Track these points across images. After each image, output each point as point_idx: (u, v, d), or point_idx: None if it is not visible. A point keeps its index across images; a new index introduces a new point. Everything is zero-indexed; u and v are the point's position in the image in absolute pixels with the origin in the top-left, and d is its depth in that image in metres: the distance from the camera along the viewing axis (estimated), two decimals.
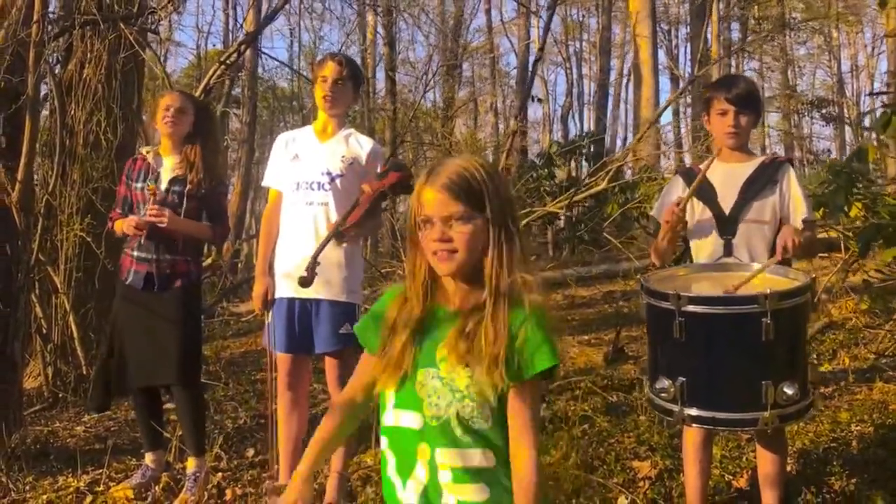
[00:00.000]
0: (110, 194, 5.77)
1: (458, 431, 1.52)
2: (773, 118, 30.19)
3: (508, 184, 1.68)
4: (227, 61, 5.35)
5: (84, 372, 5.67)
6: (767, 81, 32.46)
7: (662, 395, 2.42)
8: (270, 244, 3.46)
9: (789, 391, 2.29)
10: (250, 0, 12.60)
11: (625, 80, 31.53)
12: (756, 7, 25.72)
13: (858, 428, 3.61)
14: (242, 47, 5.29)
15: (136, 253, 3.55)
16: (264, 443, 4.08)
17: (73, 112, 5.99)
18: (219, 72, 5.34)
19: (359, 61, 23.49)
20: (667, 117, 25.81)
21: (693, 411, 2.36)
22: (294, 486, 1.64)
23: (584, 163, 13.21)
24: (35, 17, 3.93)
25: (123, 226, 3.54)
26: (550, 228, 15.42)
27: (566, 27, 34.41)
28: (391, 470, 1.61)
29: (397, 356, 1.56)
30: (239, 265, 15.47)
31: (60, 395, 5.53)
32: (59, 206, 5.89)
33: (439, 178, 1.55)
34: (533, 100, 21.67)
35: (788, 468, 3.19)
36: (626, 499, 2.98)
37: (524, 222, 6.60)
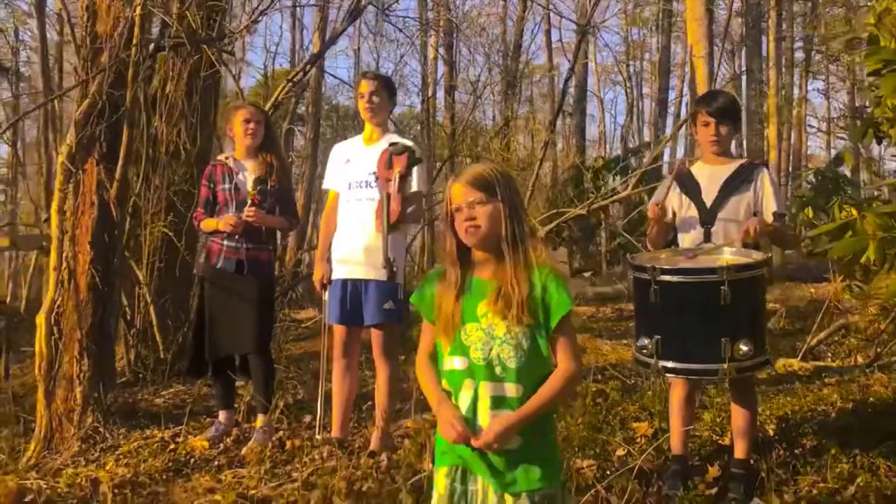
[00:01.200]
0: (189, 197, 6.50)
1: (498, 370, 2.04)
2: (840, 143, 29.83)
3: (515, 180, 2.21)
4: (294, 80, 6.03)
5: (162, 356, 6.38)
6: (834, 101, 32.23)
7: (643, 351, 2.94)
8: (329, 237, 4.10)
9: (745, 347, 2.79)
10: (317, 23, 13.39)
11: (684, 99, 31.70)
12: (823, 26, 25.68)
13: (841, 404, 4.03)
14: (308, 67, 5.95)
15: (225, 242, 4.21)
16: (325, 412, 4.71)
17: (156, 124, 6.74)
18: (287, 89, 6.02)
19: (419, 81, 24.31)
20: None
21: (667, 363, 2.88)
22: (446, 414, 2.08)
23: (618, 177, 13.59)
24: (134, 41, 4.63)
25: (221, 224, 4.20)
26: (601, 243, 15.84)
27: (627, 46, 34.76)
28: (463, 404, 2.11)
29: (447, 316, 2.11)
30: (300, 274, 16.21)
31: (141, 375, 6.22)
32: (144, 207, 6.62)
33: (463, 176, 2.12)
34: (564, 115, 22.14)
35: (770, 431, 3.65)
36: (623, 451, 3.48)
37: (552, 225, 7.07)
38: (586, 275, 14.97)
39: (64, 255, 4.66)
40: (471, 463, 2.04)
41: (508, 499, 1.98)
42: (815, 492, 3.05)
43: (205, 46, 5.47)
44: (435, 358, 2.19)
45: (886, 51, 2.36)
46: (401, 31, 11.69)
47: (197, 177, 6.64)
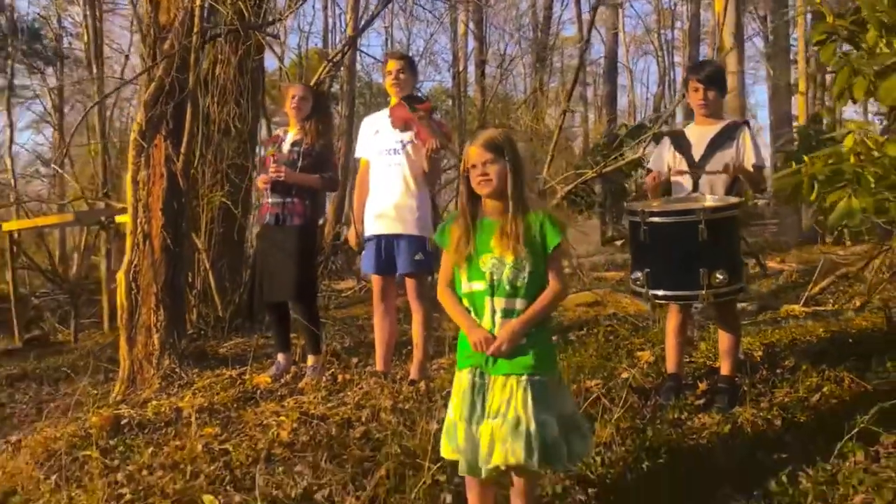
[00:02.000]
0: (242, 170, 7.16)
1: (508, 288, 2.62)
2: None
3: (517, 144, 2.83)
4: (335, 60, 6.61)
5: (220, 314, 7.08)
6: None
7: (637, 282, 3.52)
8: (363, 199, 4.71)
9: (720, 276, 3.35)
10: (350, 3, 13.93)
11: None
12: None
13: (823, 335, 4.56)
14: (346, 48, 6.52)
15: (269, 200, 4.87)
16: (364, 356, 5.35)
17: (208, 104, 7.38)
18: (328, 68, 6.61)
19: (450, 56, 24.74)
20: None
21: (657, 292, 3.45)
22: (471, 325, 2.69)
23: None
24: (195, 29, 5.25)
25: (258, 181, 4.88)
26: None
27: (660, 15, 34.79)
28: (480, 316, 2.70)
29: (462, 248, 2.68)
30: (339, 246, 16.88)
31: (203, 332, 6.92)
32: (200, 180, 7.28)
33: (478, 140, 2.68)
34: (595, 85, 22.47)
35: (757, 357, 4.20)
36: (628, 373, 4.05)
37: (571, 186, 7.57)
38: (617, 243, 15.41)
39: (139, 220, 5.33)
40: (482, 362, 2.64)
41: (512, 381, 2.57)
42: (787, 400, 3.60)
43: (255, 32, 6.04)
44: (453, 285, 2.78)
45: (826, 24, 2.87)
46: (430, 12, 12.18)
47: (248, 152, 7.31)
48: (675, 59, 35.54)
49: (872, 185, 2.56)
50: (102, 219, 10.20)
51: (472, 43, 26.09)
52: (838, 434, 3.05)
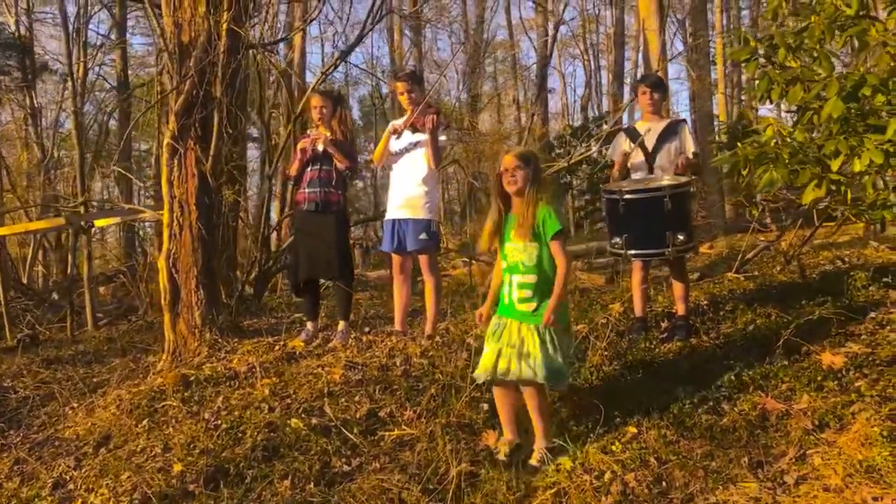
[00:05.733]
0: (241, 169, 8.01)
1: (522, 267, 3.67)
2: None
3: (539, 159, 3.95)
4: (326, 72, 7.53)
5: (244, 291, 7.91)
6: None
7: (616, 245, 4.59)
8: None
9: (681, 237, 4.44)
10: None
11: (638, 70, 33.40)
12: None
13: (752, 288, 5.72)
14: (338, 61, 7.43)
15: (307, 189, 5.72)
16: (385, 323, 6.28)
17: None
18: (321, 79, 7.52)
19: (388, 61, 25.62)
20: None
21: (633, 252, 4.52)
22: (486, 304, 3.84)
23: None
24: (222, 49, 6.12)
25: (304, 143, 5.74)
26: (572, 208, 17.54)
27: (583, 20, 36.30)
28: (505, 285, 3.76)
29: (493, 236, 3.76)
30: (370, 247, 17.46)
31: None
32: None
33: (513, 152, 3.74)
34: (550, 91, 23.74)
35: (704, 303, 5.31)
36: (604, 319, 5.11)
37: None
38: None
39: (174, 214, 6.16)
40: (507, 314, 3.70)
41: (524, 329, 3.61)
42: (729, 331, 4.72)
43: (268, 49, 6.93)
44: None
45: (749, 47, 3.98)
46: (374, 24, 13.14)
47: (244, 152, 8.15)
48: (602, 63, 37.20)
49: (787, 162, 3.67)
50: (83, 223, 10.84)
51: (408, 45, 27.17)
52: (769, 349, 4.17)
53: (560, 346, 3.58)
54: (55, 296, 12.98)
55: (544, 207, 3.63)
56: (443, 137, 5.52)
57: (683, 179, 4.58)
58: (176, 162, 6.21)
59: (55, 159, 18.70)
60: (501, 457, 3.64)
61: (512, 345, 3.60)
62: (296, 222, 5.92)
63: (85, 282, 10.73)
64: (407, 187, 5.48)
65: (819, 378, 3.79)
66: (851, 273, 5.36)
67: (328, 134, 5.71)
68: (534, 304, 3.62)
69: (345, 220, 5.90)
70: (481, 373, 3.71)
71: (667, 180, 4.65)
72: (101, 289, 13.89)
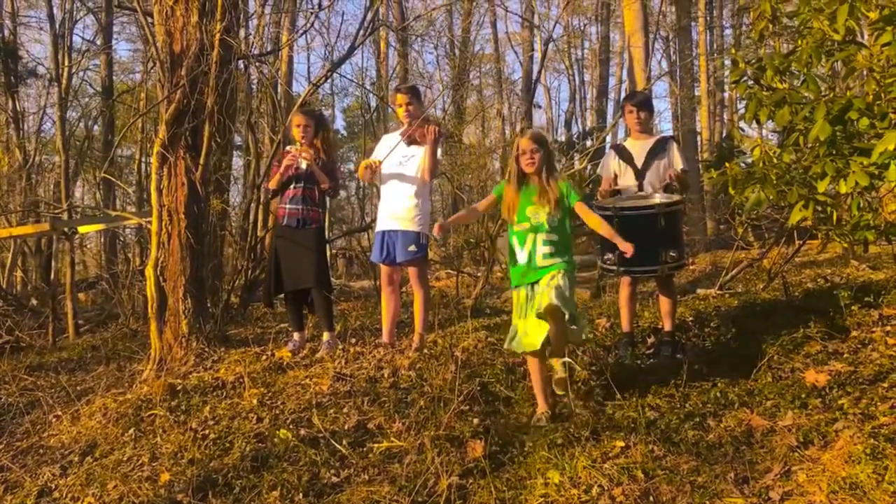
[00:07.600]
0: (227, 177, 8.00)
1: (546, 227, 3.98)
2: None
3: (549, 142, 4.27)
4: (317, 84, 7.56)
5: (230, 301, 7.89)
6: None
7: (608, 261, 4.63)
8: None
9: (673, 254, 4.50)
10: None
11: (623, 86, 33.69)
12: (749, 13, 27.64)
13: (735, 305, 5.80)
14: (329, 73, 7.47)
15: (288, 205, 5.75)
16: (371, 335, 6.30)
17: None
18: (311, 91, 7.55)
19: (374, 73, 25.69)
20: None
21: (625, 268, 4.57)
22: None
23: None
24: (214, 59, 6.13)
25: (289, 160, 5.78)
26: None
27: (568, 36, 36.54)
28: (516, 246, 4.05)
29: (510, 202, 4.09)
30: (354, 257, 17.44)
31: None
32: None
33: (528, 135, 4.10)
34: (537, 107, 23.92)
35: (689, 320, 5.37)
36: (592, 334, 5.15)
37: None
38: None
39: (163, 222, 6.15)
40: (529, 276, 4.02)
41: (552, 271, 3.96)
42: (714, 348, 4.78)
43: (258, 61, 6.96)
44: (483, 212, 4.55)
45: (739, 69, 4.05)
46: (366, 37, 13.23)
47: (229, 162, 8.16)
48: (586, 78, 37.47)
49: (774, 182, 3.74)
50: (66, 229, 10.79)
51: (393, 60, 27.23)
52: (753, 366, 4.24)
53: (571, 297, 3.96)
54: (34, 301, 12.93)
55: (563, 182, 4.12)
56: (439, 150, 5.56)
57: (676, 197, 4.65)
58: (166, 171, 6.21)
59: (37, 164, 18.58)
60: (543, 423, 3.99)
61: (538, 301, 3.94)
62: (275, 234, 5.95)
63: (67, 288, 10.69)
64: (399, 200, 5.50)
65: (803, 395, 3.85)
66: (834, 292, 5.44)
67: (311, 151, 5.76)
68: (556, 259, 4.03)
69: (323, 235, 5.94)
70: (512, 348, 4.08)
71: (659, 198, 4.71)
72: (81, 295, 13.80)
